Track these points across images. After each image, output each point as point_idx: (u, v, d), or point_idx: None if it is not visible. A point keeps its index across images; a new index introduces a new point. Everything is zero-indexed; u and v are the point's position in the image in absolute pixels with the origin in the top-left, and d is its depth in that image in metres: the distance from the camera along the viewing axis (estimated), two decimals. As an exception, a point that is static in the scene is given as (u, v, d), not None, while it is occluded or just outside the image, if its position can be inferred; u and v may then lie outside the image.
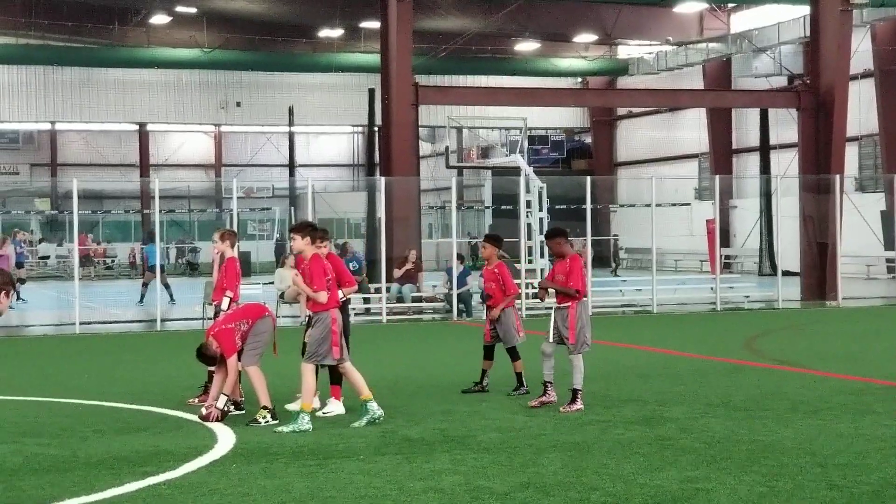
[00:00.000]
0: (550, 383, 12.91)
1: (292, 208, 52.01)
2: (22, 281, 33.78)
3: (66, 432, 11.50)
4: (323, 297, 11.67)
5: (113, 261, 57.11)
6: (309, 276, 11.72)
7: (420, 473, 9.32)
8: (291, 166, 57.83)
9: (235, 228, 28.84)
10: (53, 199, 62.00)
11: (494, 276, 13.99)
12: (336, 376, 12.47)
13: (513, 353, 14.06)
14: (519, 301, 25.77)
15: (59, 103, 59.97)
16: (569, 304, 12.79)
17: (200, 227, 60.52)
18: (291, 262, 26.21)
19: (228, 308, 13.34)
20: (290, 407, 12.37)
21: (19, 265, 34.03)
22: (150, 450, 10.46)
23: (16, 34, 54.87)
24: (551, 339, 12.94)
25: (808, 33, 38.03)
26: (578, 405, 12.56)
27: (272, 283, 27.65)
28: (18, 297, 32.52)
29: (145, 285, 32.22)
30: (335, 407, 12.47)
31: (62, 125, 65.11)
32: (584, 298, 13.10)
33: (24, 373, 17.13)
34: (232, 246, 13.76)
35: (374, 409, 11.73)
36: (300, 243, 12.03)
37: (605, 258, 50.48)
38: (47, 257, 54.64)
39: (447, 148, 47.91)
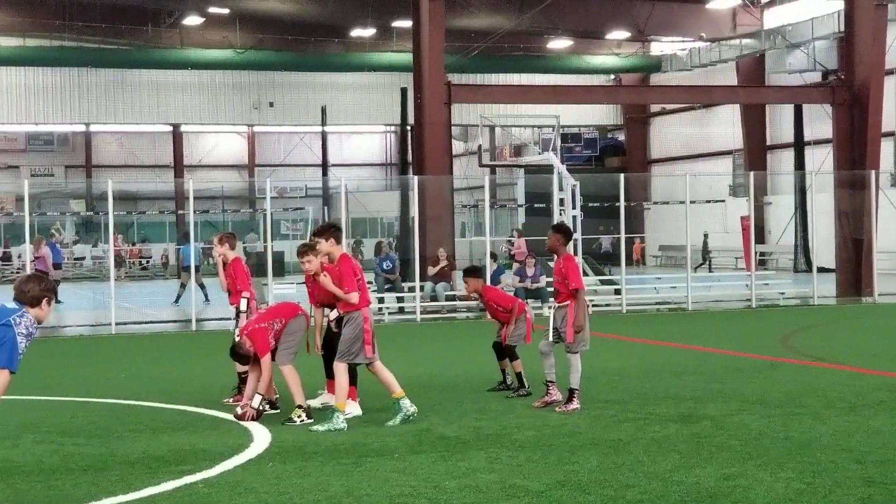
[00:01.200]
0: (552, 382, 12.80)
1: (325, 208, 52.11)
2: (57, 282, 34.02)
3: (104, 432, 11.56)
4: (354, 297, 11.68)
5: (148, 261, 57.40)
6: (339, 277, 11.74)
7: (455, 472, 9.32)
8: (324, 166, 57.96)
9: (269, 228, 29.08)
10: (88, 201, 62.38)
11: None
12: (352, 377, 12.46)
13: (511, 353, 13.99)
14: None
15: (94, 105, 60.35)
16: (568, 302, 12.66)
17: (234, 228, 60.74)
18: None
19: (247, 308, 13.40)
20: (312, 403, 12.38)
21: (57, 266, 34.22)
22: (187, 449, 10.51)
23: (50, 36, 55.26)
24: (550, 338, 12.82)
25: (842, 28, 37.80)
26: (575, 405, 12.45)
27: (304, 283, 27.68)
28: (56, 299, 32.76)
29: (183, 286, 32.39)
30: (353, 409, 12.42)
31: (96, 127, 65.50)
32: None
33: (61, 373, 17.24)
34: (232, 248, 13.86)
35: (407, 406, 11.73)
36: (326, 246, 12.06)
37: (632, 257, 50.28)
38: (83, 258, 54.99)
39: (480, 146, 47.96)
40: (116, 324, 25.21)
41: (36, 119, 61.45)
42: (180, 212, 54.10)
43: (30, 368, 15.38)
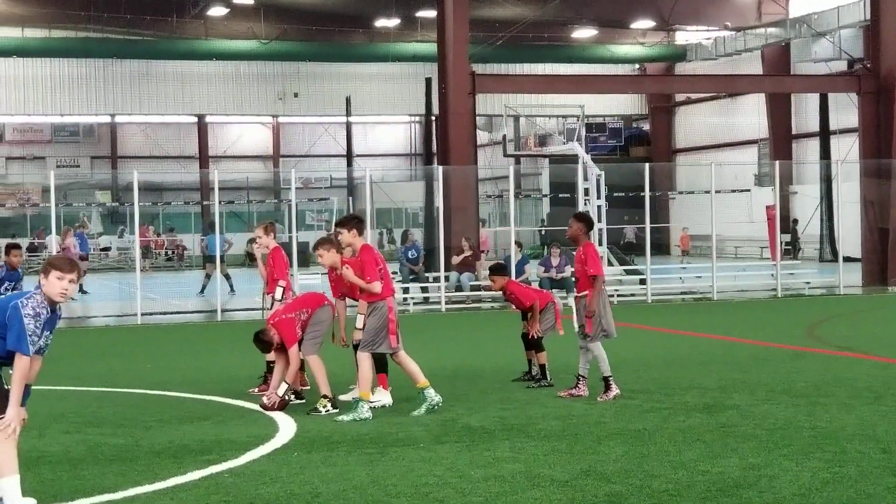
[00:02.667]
0: (583, 377, 12.77)
1: (350, 198, 52.15)
2: (83, 272, 34.20)
3: (129, 422, 11.62)
4: (377, 286, 11.69)
5: (173, 252, 57.57)
6: (361, 268, 11.76)
7: (480, 461, 9.33)
8: (349, 156, 57.97)
9: (294, 219, 29.12)
10: (114, 192, 62.61)
11: (580, 258, 13.01)
12: (382, 365, 12.50)
13: (537, 345, 13.97)
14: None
15: (119, 96, 60.52)
16: (586, 292, 12.66)
17: (259, 218, 60.82)
18: (349, 252, 26.33)
19: (282, 297, 13.45)
20: (344, 398, 12.41)
21: (84, 257, 34.45)
22: (213, 439, 10.55)
23: (75, 28, 55.46)
24: (577, 330, 12.85)
25: (868, 16, 37.58)
26: (614, 391, 12.48)
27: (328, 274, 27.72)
28: (81, 290, 32.93)
29: (208, 276, 32.50)
30: (382, 396, 12.46)
31: (122, 118, 65.71)
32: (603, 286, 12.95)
33: (87, 364, 17.32)
34: (274, 237, 13.97)
35: (432, 395, 11.75)
36: (348, 237, 12.08)
37: (663, 246, 50.18)
38: (108, 249, 55.19)
39: (504, 136, 47.82)
40: (142, 314, 25.31)
41: (62, 110, 61.68)
42: (205, 202, 54.31)
43: (56, 359, 15.49)
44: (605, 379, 12.57)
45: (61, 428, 11.25)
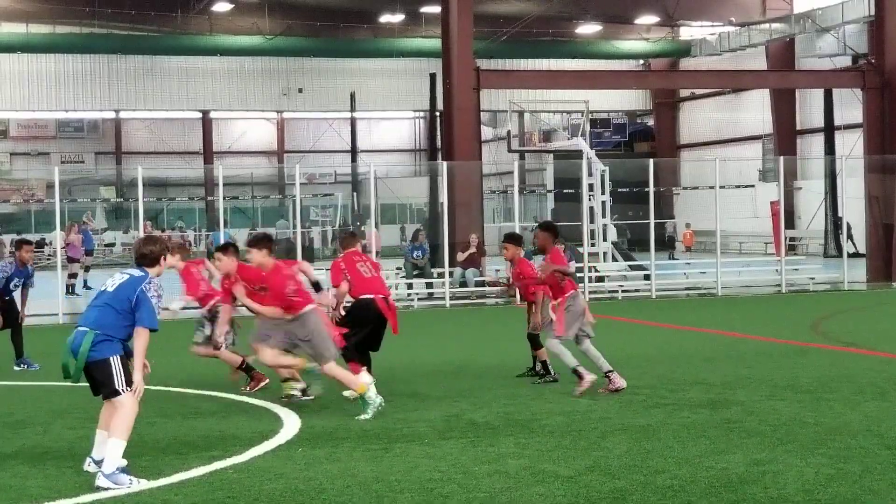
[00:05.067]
0: (610, 371, 12.72)
1: (354, 194, 52.21)
2: (87, 269, 34.20)
3: (134, 417, 11.62)
4: (271, 311, 11.77)
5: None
6: (273, 286, 11.81)
7: (485, 457, 9.33)
8: (353, 152, 58.01)
9: (299, 214, 29.08)
10: (118, 187, 62.63)
11: (517, 274, 13.64)
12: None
13: (535, 342, 13.84)
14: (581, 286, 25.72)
15: (123, 92, 60.53)
16: (560, 300, 12.77)
17: (264, 214, 60.90)
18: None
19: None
20: (347, 394, 12.38)
21: (89, 253, 34.47)
22: (217, 434, 10.56)
23: (80, 24, 55.46)
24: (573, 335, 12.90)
25: (872, 12, 37.52)
26: (587, 378, 12.48)
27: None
28: (85, 285, 32.97)
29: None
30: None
31: (126, 113, 65.73)
32: (574, 291, 12.96)
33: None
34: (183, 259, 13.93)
35: (373, 396, 11.46)
36: (258, 256, 11.99)
37: (665, 242, 50.13)
38: (113, 245, 55.19)
39: (509, 132, 47.78)
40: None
41: (66, 106, 61.69)
42: (210, 198, 54.29)
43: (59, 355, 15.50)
44: (575, 371, 12.55)
45: (65, 424, 11.27)
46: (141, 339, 8.76)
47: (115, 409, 8.77)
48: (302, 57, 59.96)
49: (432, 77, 41.96)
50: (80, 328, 8.80)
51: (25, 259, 16.23)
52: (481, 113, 33.61)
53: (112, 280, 8.94)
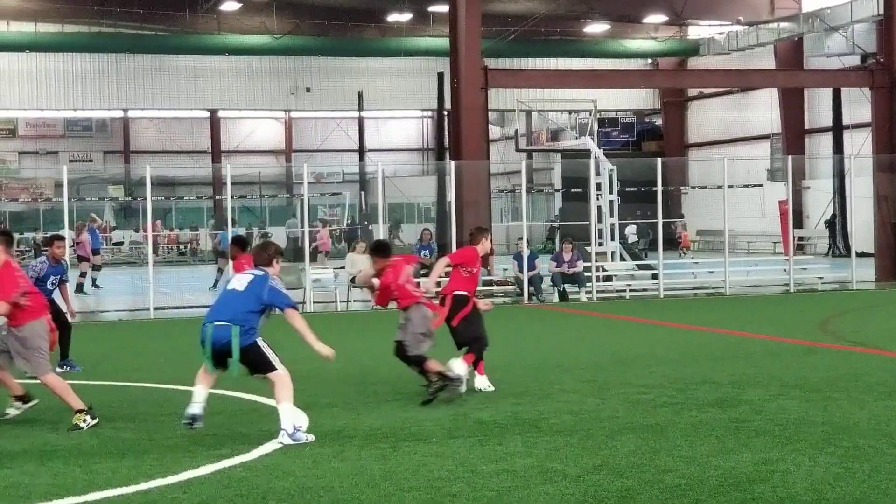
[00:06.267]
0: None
1: (362, 193, 52.21)
2: (97, 268, 34.26)
3: (142, 416, 11.65)
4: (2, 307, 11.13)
5: (186, 247, 57.67)
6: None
7: (492, 456, 9.33)
8: (361, 151, 58.03)
9: (306, 214, 29.10)
10: (127, 186, 62.69)
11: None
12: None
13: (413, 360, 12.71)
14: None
15: (132, 91, 60.56)
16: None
17: (272, 213, 60.96)
18: (363, 247, 26.36)
19: None
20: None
21: (96, 252, 34.48)
22: (225, 433, 10.57)
23: (88, 22, 55.52)
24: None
25: (881, 11, 37.46)
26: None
27: (343, 267, 27.80)
28: (94, 284, 33.02)
29: (220, 270, 32.52)
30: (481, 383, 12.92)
31: (134, 112, 65.82)
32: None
33: (100, 357, 17.35)
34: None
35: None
36: None
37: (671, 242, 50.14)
38: (121, 243, 55.29)
39: (517, 131, 47.87)
40: (155, 308, 25.35)
41: (74, 105, 61.75)
42: (218, 197, 54.39)
43: (70, 353, 15.53)
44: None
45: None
46: (297, 318, 10.26)
47: (275, 382, 10.16)
48: (310, 56, 59.98)
49: (440, 76, 41.97)
50: (217, 323, 10.27)
51: (58, 255, 15.70)
52: (489, 112, 33.63)
53: (239, 281, 10.56)
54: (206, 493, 8.27)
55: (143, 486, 8.51)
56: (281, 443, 9.86)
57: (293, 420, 10.10)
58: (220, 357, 10.30)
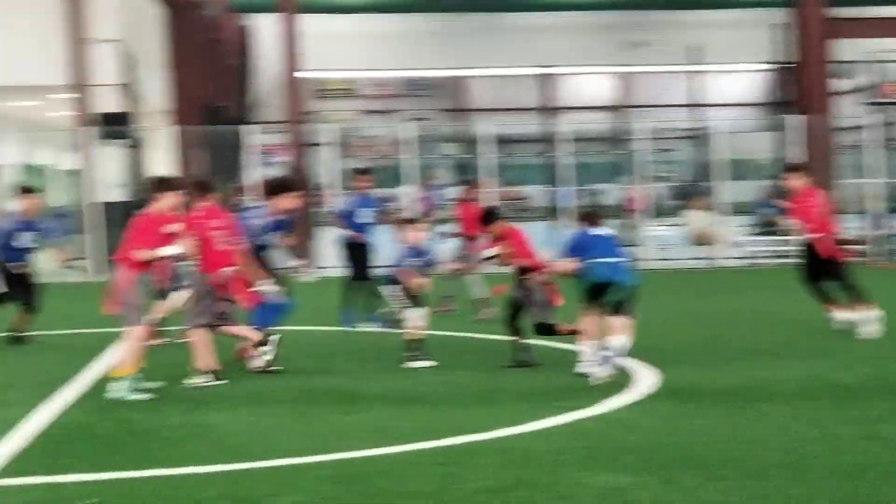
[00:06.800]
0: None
1: (697, 149, 51.34)
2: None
3: (485, 365, 11.82)
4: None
5: (523, 202, 58.24)
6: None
7: (852, 420, 8.90)
8: (696, 106, 57.05)
9: (639, 170, 28.87)
10: (462, 144, 63.93)
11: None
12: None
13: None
14: None
15: (468, 50, 61.69)
16: None
17: (604, 170, 60.87)
18: (701, 203, 25.96)
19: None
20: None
21: (433, 209, 35.41)
22: (576, 385, 10.61)
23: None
24: None
25: None
26: None
27: (680, 225, 27.49)
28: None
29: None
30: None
31: (470, 71, 66.99)
32: None
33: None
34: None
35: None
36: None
37: None
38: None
39: (863, 84, 45.78)
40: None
41: (413, 65, 63.46)
42: (550, 154, 54.72)
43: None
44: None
45: (434, 371, 11.55)
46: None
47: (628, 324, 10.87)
48: (644, 10, 59.35)
49: (779, 27, 40.65)
50: (619, 262, 11.04)
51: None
52: (833, 64, 32.31)
53: (606, 230, 11.31)
54: (559, 443, 8.29)
55: (497, 433, 8.61)
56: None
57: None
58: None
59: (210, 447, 8.32)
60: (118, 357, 10.42)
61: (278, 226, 12.53)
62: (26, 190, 15.06)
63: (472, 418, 9.20)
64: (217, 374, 11.12)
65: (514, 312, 11.97)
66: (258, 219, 12.31)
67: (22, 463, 7.91)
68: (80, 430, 9.00)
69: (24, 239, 14.41)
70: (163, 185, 10.89)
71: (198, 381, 11.01)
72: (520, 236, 12.13)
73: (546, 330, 11.82)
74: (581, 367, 11.06)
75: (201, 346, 11.16)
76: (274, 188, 12.55)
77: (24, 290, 14.51)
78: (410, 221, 12.48)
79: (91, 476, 7.48)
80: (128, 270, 10.41)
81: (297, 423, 9.13)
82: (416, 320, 12.00)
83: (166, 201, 10.70)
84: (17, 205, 14.82)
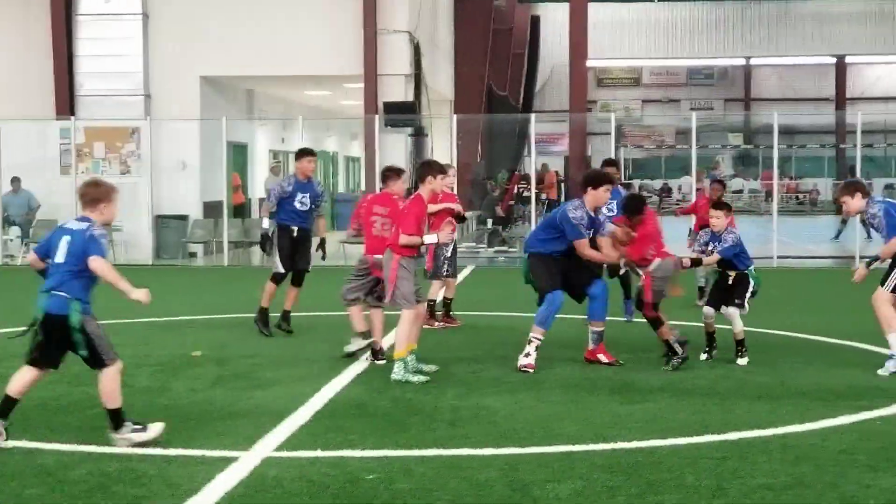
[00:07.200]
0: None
1: None
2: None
3: (775, 361, 11.55)
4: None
5: (805, 196, 56.80)
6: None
7: None
8: None
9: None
10: (746, 134, 62.69)
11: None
12: None
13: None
14: None
15: (755, 38, 60.38)
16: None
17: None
18: None
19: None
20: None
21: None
22: (864, 384, 10.27)
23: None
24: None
25: None
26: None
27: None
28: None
29: (844, 222, 31.82)
30: None
31: (757, 60, 65.54)
32: None
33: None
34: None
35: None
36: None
37: None
38: (740, 192, 55.35)
39: None
40: (777, 257, 25.23)
41: (697, 53, 62.59)
42: (841, 146, 53.01)
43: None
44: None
45: (710, 365, 11.40)
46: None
47: None
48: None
49: None
50: None
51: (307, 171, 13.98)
52: None
53: None
54: (846, 442, 8.02)
55: (780, 430, 8.42)
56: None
57: None
58: None
59: (487, 430, 8.42)
60: (396, 339, 10.68)
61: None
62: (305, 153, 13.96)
63: (751, 413, 9.02)
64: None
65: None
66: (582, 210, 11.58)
67: (306, 437, 8.21)
68: (360, 407, 9.27)
69: (304, 201, 13.68)
70: (428, 169, 10.99)
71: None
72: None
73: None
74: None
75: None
76: (590, 180, 11.51)
77: (301, 257, 13.75)
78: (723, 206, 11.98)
79: (371, 452, 7.71)
80: (397, 255, 10.66)
81: (574, 410, 9.15)
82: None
83: (429, 186, 10.86)
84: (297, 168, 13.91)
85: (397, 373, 10.43)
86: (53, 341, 7.75)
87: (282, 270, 13.67)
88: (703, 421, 8.72)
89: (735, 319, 11.37)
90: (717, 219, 11.63)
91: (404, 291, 10.59)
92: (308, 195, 13.69)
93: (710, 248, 11.57)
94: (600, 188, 11.26)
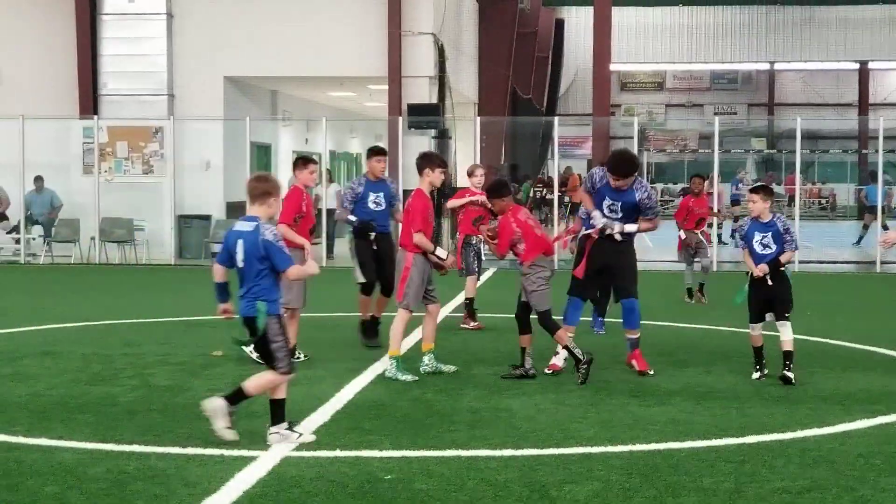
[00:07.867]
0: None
1: None
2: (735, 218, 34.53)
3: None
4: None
5: (827, 201, 56.61)
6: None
7: None
8: None
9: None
10: (769, 139, 62.53)
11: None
12: None
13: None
14: None
15: (779, 43, 60.22)
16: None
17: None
18: None
19: None
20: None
21: (735, 202, 34.97)
22: (880, 389, 10.27)
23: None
24: None
25: None
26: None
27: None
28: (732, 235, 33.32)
29: (866, 227, 31.72)
30: None
31: (780, 65, 65.36)
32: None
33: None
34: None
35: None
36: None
37: None
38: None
39: None
40: (799, 262, 25.15)
41: (721, 58, 62.47)
42: (864, 151, 52.86)
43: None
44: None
45: (729, 366, 11.41)
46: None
47: None
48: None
49: None
50: None
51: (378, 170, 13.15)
52: None
53: None
54: (863, 446, 8.02)
55: (798, 433, 8.43)
56: None
57: None
58: None
59: (506, 431, 8.46)
60: (390, 337, 10.79)
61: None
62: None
63: (769, 417, 9.02)
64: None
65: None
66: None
67: (325, 437, 8.26)
68: (380, 408, 9.32)
69: (379, 201, 12.90)
70: (426, 162, 10.97)
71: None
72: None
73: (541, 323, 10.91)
74: None
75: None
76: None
77: (385, 266, 12.68)
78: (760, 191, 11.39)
79: (390, 453, 7.75)
80: (410, 253, 10.74)
81: (593, 413, 9.17)
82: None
83: (428, 179, 10.88)
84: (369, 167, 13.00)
85: (389, 370, 10.61)
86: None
87: (362, 280, 12.75)
88: (721, 424, 8.73)
89: (788, 330, 10.67)
90: (754, 203, 10.72)
91: (411, 294, 10.70)
92: (381, 194, 12.86)
93: (762, 240, 10.69)
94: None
